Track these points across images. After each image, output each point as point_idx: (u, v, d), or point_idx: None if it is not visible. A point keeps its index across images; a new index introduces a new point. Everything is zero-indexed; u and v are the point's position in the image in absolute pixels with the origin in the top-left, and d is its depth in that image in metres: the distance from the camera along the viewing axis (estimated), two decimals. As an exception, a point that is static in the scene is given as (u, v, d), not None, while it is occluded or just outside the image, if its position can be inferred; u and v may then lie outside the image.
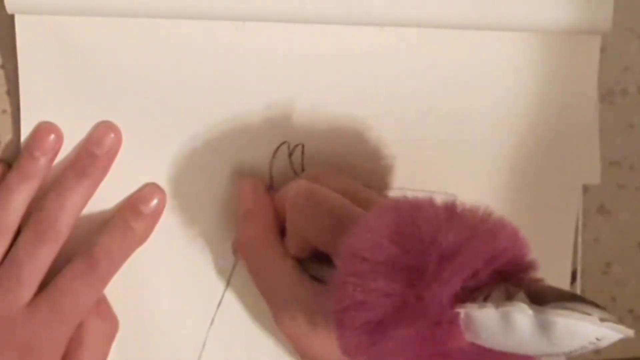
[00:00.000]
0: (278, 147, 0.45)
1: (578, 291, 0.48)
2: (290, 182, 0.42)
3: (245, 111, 0.44)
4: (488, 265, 0.32)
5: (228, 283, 0.46)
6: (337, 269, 0.34)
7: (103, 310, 0.44)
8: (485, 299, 0.31)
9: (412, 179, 0.46)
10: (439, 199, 0.35)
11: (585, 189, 0.47)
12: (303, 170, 0.45)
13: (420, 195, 0.45)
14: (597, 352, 0.51)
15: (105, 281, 0.43)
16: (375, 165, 0.45)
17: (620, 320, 0.49)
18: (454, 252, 0.32)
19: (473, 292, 0.32)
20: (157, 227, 0.45)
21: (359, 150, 0.45)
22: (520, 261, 0.33)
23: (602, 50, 0.45)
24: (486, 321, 0.31)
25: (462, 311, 0.31)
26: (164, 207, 0.45)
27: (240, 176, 0.45)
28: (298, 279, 0.40)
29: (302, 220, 0.39)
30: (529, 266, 0.33)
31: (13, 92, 0.44)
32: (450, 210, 0.34)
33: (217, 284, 0.46)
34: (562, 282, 0.47)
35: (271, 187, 0.45)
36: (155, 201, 0.44)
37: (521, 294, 0.31)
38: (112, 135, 0.43)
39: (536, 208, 0.47)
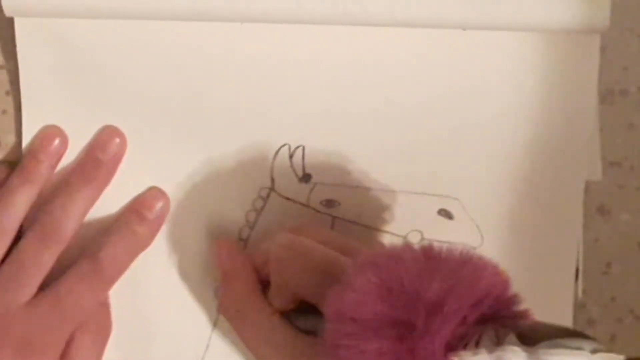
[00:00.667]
0: (279, 149, 0.45)
1: (580, 289, 0.48)
2: (271, 237, 0.42)
3: (246, 112, 0.44)
4: (475, 310, 0.33)
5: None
6: (327, 331, 0.34)
7: (100, 312, 0.44)
8: (477, 344, 0.31)
9: (414, 179, 0.46)
10: (416, 244, 0.35)
11: (586, 188, 0.47)
12: (304, 171, 0.45)
13: (418, 197, 0.46)
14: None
15: (109, 284, 0.43)
16: (376, 167, 0.45)
17: (620, 321, 0.49)
18: (439, 302, 0.32)
19: (463, 338, 0.32)
20: (161, 231, 0.45)
21: (360, 152, 0.45)
22: (504, 297, 0.34)
23: (602, 50, 0.45)
24: None
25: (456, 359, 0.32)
26: (167, 211, 0.45)
27: (214, 239, 0.45)
28: (287, 335, 0.40)
29: (287, 273, 0.39)
30: (513, 301, 0.34)
31: (13, 93, 0.43)
32: (429, 256, 0.34)
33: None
34: (566, 279, 0.47)
35: (272, 189, 0.45)
36: (159, 206, 0.44)
37: (511, 336, 0.31)
38: (117, 140, 0.43)
39: (540, 207, 0.47)
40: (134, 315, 0.45)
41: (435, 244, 0.35)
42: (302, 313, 0.40)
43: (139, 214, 0.44)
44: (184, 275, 0.46)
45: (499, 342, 0.31)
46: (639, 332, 0.50)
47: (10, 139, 0.44)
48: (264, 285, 0.42)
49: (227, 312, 0.43)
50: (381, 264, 0.34)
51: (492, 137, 0.46)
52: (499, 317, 0.33)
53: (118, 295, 0.44)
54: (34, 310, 0.41)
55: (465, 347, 0.32)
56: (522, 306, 0.34)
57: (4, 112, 0.44)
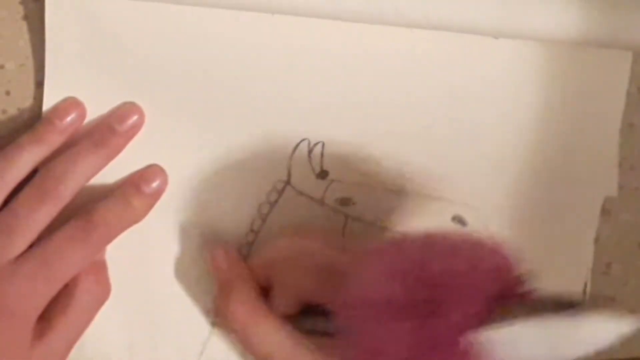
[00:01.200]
0: (298, 144, 0.45)
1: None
2: (269, 243, 0.42)
3: (268, 104, 0.44)
4: (489, 289, 0.33)
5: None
6: (340, 320, 0.35)
7: (100, 274, 0.44)
8: (490, 322, 0.32)
9: (432, 184, 0.46)
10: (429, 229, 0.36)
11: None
12: (322, 168, 0.45)
13: (434, 202, 0.46)
14: (597, 352, 0.51)
15: (97, 248, 0.42)
16: (395, 169, 0.45)
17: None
18: (454, 284, 0.33)
19: (477, 317, 0.33)
20: (166, 228, 0.45)
21: (379, 152, 0.45)
22: (513, 275, 0.35)
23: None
24: (499, 342, 0.32)
25: (473, 338, 0.32)
26: (164, 189, 0.44)
27: (211, 247, 0.45)
28: (294, 340, 0.39)
29: (289, 276, 0.39)
30: (523, 278, 0.35)
31: (13, 93, 0.43)
32: (443, 240, 0.35)
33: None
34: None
35: (288, 183, 0.45)
36: (156, 183, 0.44)
37: (523, 308, 0.32)
38: (136, 117, 0.43)
39: (554, 221, 0.47)
40: (139, 301, 0.45)
41: (449, 229, 0.37)
42: (309, 315, 0.40)
43: (137, 187, 0.43)
44: (191, 267, 0.45)
45: (511, 318, 0.32)
46: (639, 332, 0.50)
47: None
48: (264, 292, 0.42)
49: (228, 322, 0.42)
50: (389, 251, 0.35)
51: (513, 149, 0.46)
52: (510, 295, 0.34)
53: (120, 294, 0.44)
54: (20, 267, 0.40)
55: (479, 326, 0.32)
56: (532, 283, 0.35)
57: (4, 112, 0.43)
